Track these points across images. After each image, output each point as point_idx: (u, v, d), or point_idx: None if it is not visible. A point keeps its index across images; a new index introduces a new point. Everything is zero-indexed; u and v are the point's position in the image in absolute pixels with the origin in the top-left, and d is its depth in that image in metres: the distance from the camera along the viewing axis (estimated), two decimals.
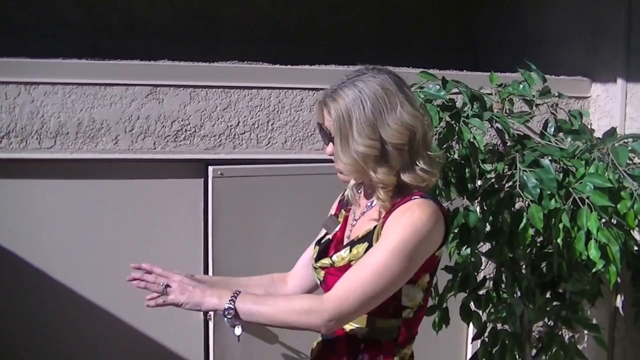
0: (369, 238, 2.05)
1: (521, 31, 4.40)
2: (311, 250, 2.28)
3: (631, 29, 3.59)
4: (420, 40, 4.77)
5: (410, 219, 1.96)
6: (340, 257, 2.09)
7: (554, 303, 3.18)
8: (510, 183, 2.85)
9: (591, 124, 3.72)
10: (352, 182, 2.17)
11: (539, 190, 2.70)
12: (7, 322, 3.11)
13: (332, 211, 2.32)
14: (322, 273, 2.15)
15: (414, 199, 2.00)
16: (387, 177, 2.01)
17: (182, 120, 3.19)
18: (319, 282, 2.20)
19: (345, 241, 2.16)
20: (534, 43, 4.26)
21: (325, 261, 2.13)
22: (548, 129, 3.13)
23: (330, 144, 2.06)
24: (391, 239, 1.96)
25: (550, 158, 2.83)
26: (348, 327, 2.07)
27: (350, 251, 2.06)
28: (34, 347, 3.14)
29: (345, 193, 2.21)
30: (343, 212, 2.25)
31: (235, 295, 1.96)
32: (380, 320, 2.05)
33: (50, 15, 4.13)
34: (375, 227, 2.05)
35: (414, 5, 4.82)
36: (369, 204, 2.14)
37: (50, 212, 3.11)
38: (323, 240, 2.23)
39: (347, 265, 2.04)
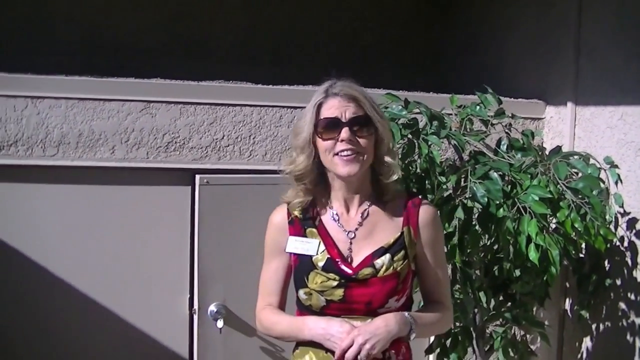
0: (401, 245, 2.24)
1: (487, 56, 4.55)
2: (290, 276, 2.30)
3: (580, 55, 3.76)
4: (390, 62, 4.91)
5: (438, 218, 2.38)
6: (384, 266, 2.19)
7: (508, 304, 3.40)
8: (465, 193, 3.13)
9: (543, 142, 3.94)
10: (297, 200, 2.29)
11: (486, 200, 2.97)
12: (9, 314, 3.24)
13: (286, 233, 2.28)
14: (341, 291, 2.17)
15: (423, 201, 2.34)
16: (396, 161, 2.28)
17: (172, 133, 3.34)
18: (323, 304, 2.17)
19: (347, 253, 2.21)
20: (498, 68, 4.42)
21: (367, 271, 2.18)
22: (501, 146, 3.38)
23: (347, 129, 2.13)
24: (441, 240, 2.37)
25: (500, 172, 3.08)
26: None
27: (393, 259, 2.20)
28: (31, 334, 3.28)
29: (294, 214, 2.28)
30: (313, 229, 2.25)
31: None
32: None
33: (47, 34, 4.20)
34: (401, 233, 2.25)
35: (385, 29, 4.96)
36: (362, 213, 2.27)
37: (52, 213, 3.24)
38: (323, 262, 2.20)
39: (394, 274, 2.19)
